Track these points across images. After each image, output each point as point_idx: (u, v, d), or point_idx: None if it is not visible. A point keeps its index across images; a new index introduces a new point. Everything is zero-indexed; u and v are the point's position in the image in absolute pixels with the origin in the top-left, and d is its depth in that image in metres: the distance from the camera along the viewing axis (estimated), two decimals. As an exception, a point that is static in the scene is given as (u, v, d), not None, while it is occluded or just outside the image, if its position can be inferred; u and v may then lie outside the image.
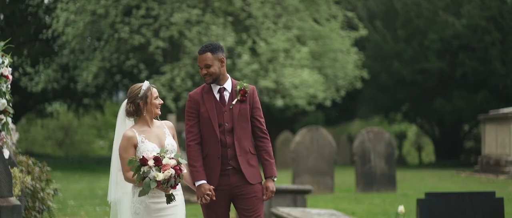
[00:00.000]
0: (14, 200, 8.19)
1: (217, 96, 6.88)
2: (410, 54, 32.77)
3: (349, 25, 31.62)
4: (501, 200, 9.71)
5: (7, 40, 8.84)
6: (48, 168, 11.13)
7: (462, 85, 32.80)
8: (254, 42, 27.55)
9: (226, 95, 6.88)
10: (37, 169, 10.76)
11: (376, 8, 35.11)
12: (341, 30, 29.90)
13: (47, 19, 30.54)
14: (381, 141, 20.58)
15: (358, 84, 30.49)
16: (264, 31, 27.36)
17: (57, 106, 41.73)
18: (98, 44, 28.58)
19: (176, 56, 27.74)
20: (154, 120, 6.73)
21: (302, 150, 20.05)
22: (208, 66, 6.80)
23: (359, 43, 32.19)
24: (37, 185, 10.31)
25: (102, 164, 32.91)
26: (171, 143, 6.65)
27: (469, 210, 9.61)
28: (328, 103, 29.02)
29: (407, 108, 37.33)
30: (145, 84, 6.69)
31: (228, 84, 6.92)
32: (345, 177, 24.47)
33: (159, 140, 6.62)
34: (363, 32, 30.15)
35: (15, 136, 18.38)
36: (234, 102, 6.85)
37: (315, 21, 29.44)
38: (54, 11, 28.47)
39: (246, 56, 26.63)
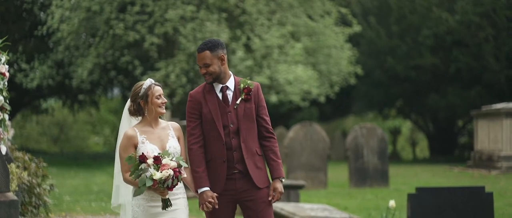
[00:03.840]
0: (11, 195, 8.32)
1: (220, 95, 6.44)
2: (404, 50, 32.86)
3: (343, 21, 31.67)
4: (490, 194, 9.82)
5: (4, 38, 8.93)
6: (44, 164, 11.22)
7: (456, 81, 32.86)
8: (248, 38, 27.63)
9: (229, 94, 6.45)
10: (33, 164, 10.85)
11: (370, 4, 35.18)
12: (335, 26, 29.93)
13: (42, 15, 30.54)
14: (374, 137, 20.70)
15: (352, 80, 30.53)
16: (258, 28, 27.44)
17: (52, 103, 41.75)
18: (93, 41, 28.62)
19: (170, 53, 27.81)
20: (160, 119, 6.40)
21: (295, 145, 20.15)
22: (207, 65, 6.36)
23: (353, 39, 32.25)
24: (34, 181, 10.40)
25: (97, 160, 33.00)
26: (173, 146, 6.30)
27: (459, 205, 9.72)
28: (322, 99, 29.10)
29: (401, 104, 37.40)
30: (146, 82, 6.35)
31: (230, 83, 6.47)
32: (339, 173, 24.57)
33: (161, 142, 6.29)
34: (357, 28, 30.19)
35: (11, 132, 18.46)
36: (238, 101, 6.42)
37: (309, 17, 29.48)
38: (49, 8, 28.49)
39: (240, 53, 26.71)
